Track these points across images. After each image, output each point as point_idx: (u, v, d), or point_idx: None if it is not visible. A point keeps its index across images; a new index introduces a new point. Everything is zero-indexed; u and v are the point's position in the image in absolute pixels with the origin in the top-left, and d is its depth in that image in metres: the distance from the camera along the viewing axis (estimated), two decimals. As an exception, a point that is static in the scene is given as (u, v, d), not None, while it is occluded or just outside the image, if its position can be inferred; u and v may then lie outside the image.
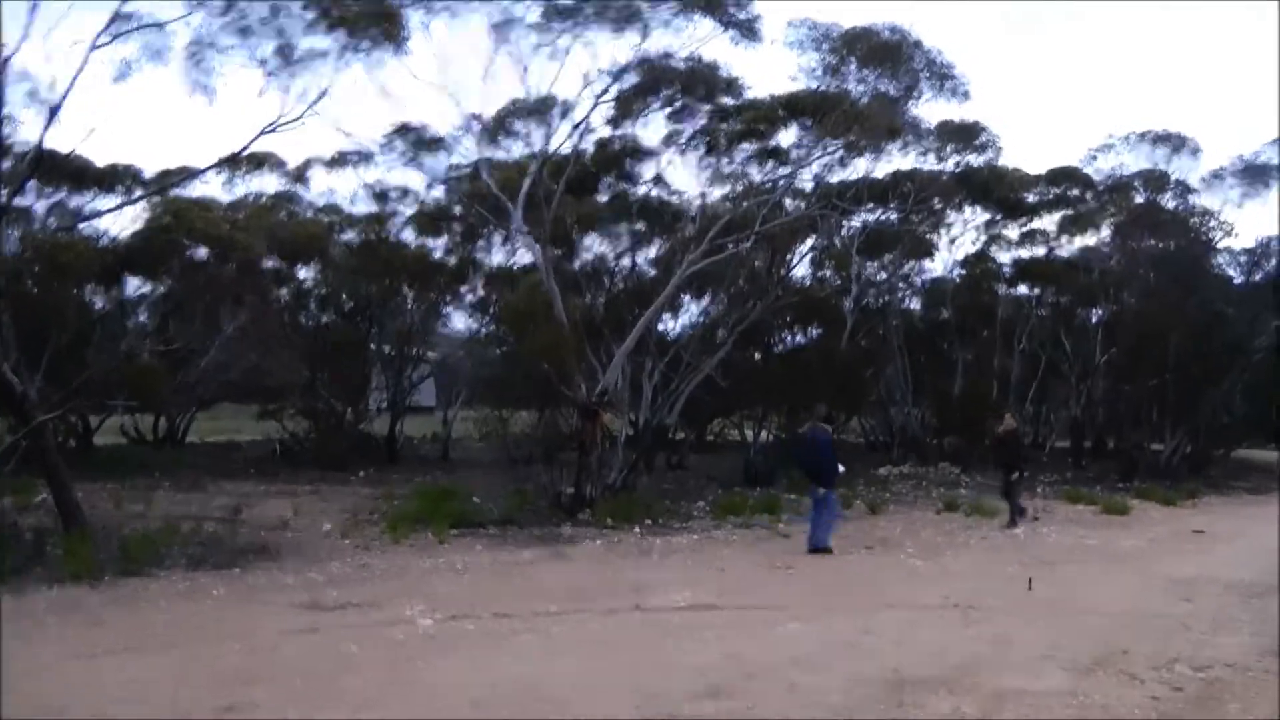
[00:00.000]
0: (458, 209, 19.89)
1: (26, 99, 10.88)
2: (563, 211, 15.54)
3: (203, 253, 19.07)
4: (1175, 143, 22.98)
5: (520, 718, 5.25)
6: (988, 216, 23.50)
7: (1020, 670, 6.20)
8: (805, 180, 17.45)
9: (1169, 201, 23.16)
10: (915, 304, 25.57)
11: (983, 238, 24.21)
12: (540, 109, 14.40)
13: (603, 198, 19.04)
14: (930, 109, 17.46)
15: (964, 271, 24.48)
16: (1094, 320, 24.45)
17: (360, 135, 16.63)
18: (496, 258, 21.17)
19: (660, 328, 18.70)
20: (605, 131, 17.62)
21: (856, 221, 19.49)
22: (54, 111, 9.84)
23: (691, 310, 20.13)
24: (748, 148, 17.63)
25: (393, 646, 6.62)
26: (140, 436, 22.34)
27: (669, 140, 17.27)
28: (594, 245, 19.43)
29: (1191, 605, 8.50)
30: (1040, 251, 24.34)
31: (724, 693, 5.63)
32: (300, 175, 21.93)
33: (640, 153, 18.23)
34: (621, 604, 8.06)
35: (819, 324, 21.72)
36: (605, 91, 14.38)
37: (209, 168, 16.74)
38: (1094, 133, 73.00)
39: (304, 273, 21.81)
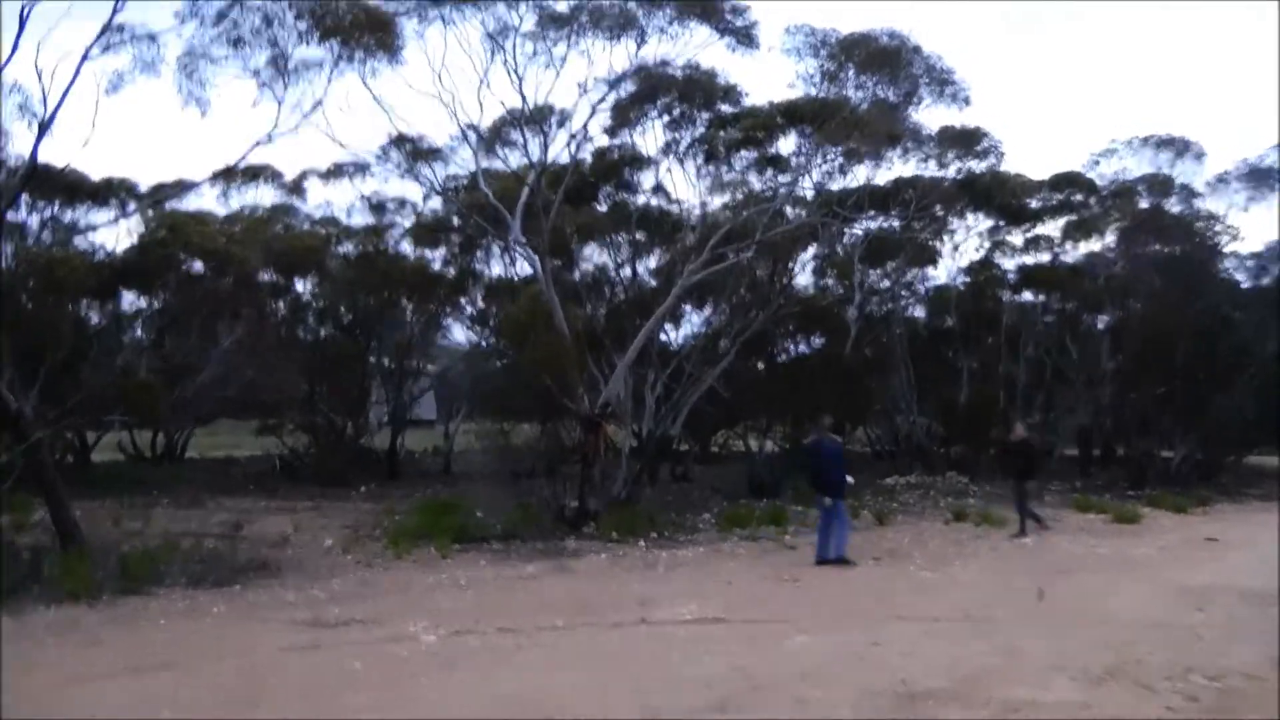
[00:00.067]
0: (456, 220, 19.95)
1: (18, 112, 10.99)
2: (561, 221, 15.58)
3: (199, 266, 19.14)
4: (1179, 146, 23.03)
5: (526, 734, 5.24)
6: (991, 223, 23.50)
7: (1031, 681, 6.19)
8: (806, 188, 17.49)
9: (1174, 206, 23.19)
10: (919, 312, 25.62)
11: (986, 244, 24.24)
12: (537, 118, 14.46)
13: (602, 207, 19.11)
14: (931, 115, 17.46)
15: (968, 279, 24.48)
16: (1100, 326, 24.47)
17: (356, 146, 16.83)
18: (496, 269, 21.28)
19: (662, 338, 18.74)
20: (603, 140, 17.80)
21: (858, 229, 19.49)
22: (46, 125, 9.90)
23: (693, 320, 20.19)
24: (747, 156, 17.72)
25: (396, 663, 6.62)
26: (138, 453, 22.38)
27: (668, 149, 17.36)
28: (594, 255, 19.53)
29: (1205, 614, 8.47)
30: (1045, 258, 24.34)
31: (731, 706, 5.63)
32: (296, 187, 22.03)
33: (639, 161, 18.31)
34: (627, 618, 8.05)
35: (822, 333, 21.73)
36: (602, 100, 14.53)
37: (204, 180, 16.98)
38: (1096, 137, 73.37)
39: (301, 286, 21.94)
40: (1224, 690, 6.07)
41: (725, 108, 16.79)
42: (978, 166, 20.90)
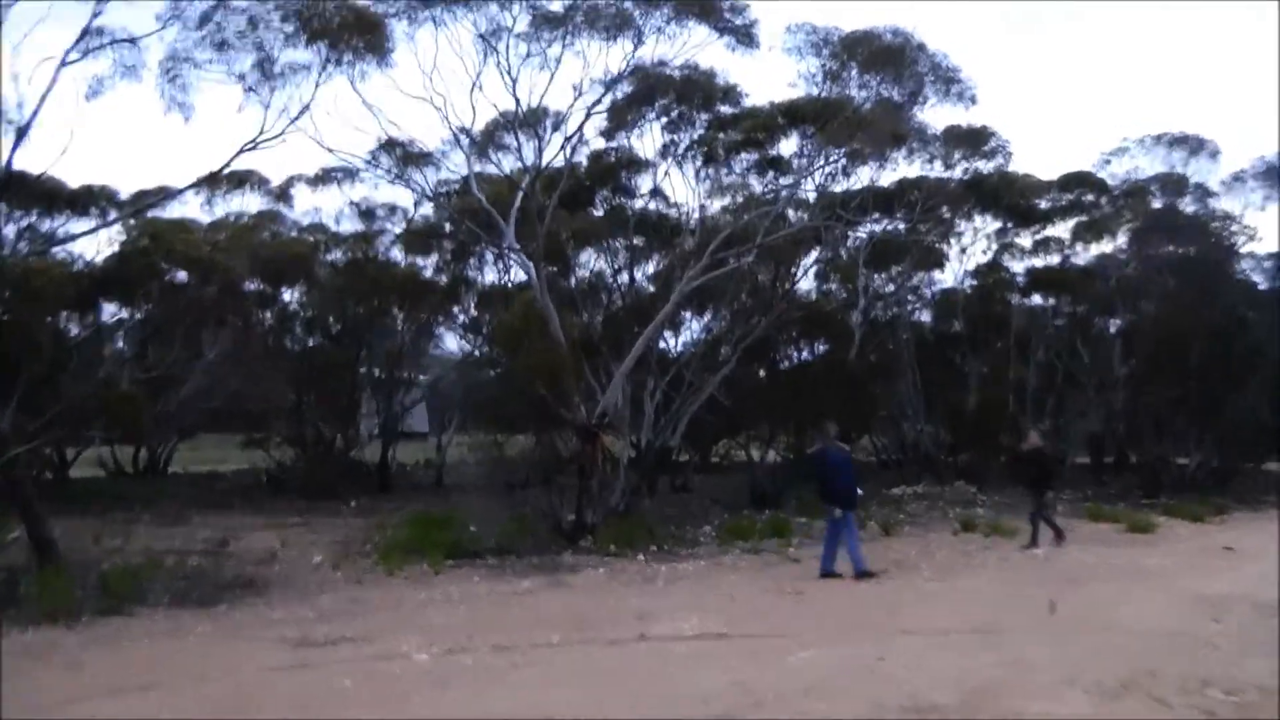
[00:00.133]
0: (448, 226, 19.98)
1: (-7, 118, 10.94)
2: (557, 226, 15.62)
3: (182, 275, 19.14)
4: (1193, 145, 23.09)
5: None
6: (999, 224, 23.59)
7: (1042, 695, 6.18)
8: (808, 190, 17.53)
9: (1188, 205, 23.27)
10: (926, 316, 25.69)
11: (994, 246, 24.32)
12: (531, 121, 14.52)
13: (598, 212, 19.14)
14: (936, 114, 17.55)
15: (975, 282, 24.54)
16: (1112, 330, 24.50)
17: (345, 151, 16.73)
18: (489, 276, 21.29)
19: (661, 345, 18.74)
20: (599, 143, 17.88)
21: (862, 232, 19.55)
22: (23, 131, 9.89)
23: (693, 327, 20.19)
24: (747, 158, 17.79)
25: (387, 682, 6.61)
26: (119, 468, 22.35)
27: (666, 151, 17.41)
28: (590, 261, 19.56)
29: (1221, 625, 8.47)
30: (1054, 259, 24.39)
31: (733, 724, 5.62)
32: (283, 193, 22.06)
33: (636, 164, 18.36)
34: (625, 634, 8.04)
35: (826, 339, 21.75)
36: (598, 102, 14.55)
37: (188, 187, 16.97)
38: (1102, 137, 73.60)
39: (289, 294, 21.93)
40: (1241, 704, 6.06)
41: (725, 109, 16.85)
42: (985, 167, 21.04)
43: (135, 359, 19.24)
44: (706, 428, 20.18)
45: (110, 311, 20.26)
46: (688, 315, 19.64)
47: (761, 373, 21.98)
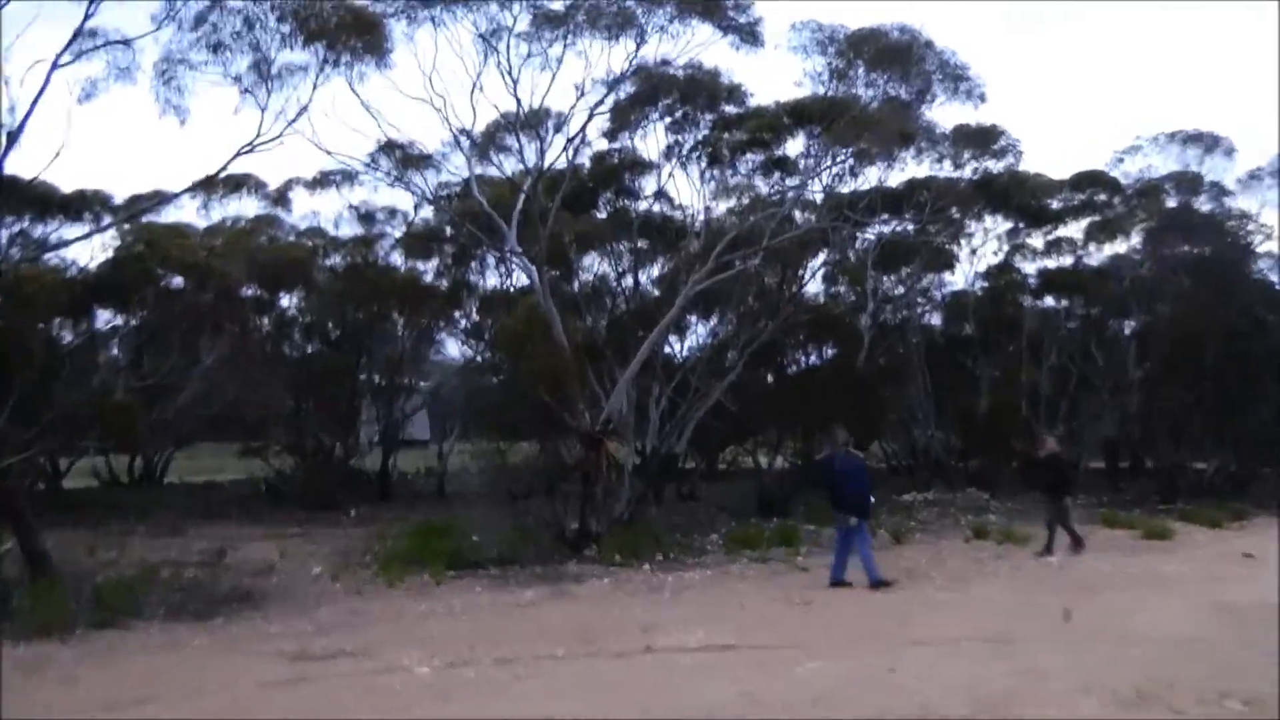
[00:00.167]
0: (448, 229, 20.03)
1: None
2: (559, 229, 15.64)
3: (178, 281, 19.21)
4: (1208, 142, 23.00)
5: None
6: (1010, 225, 23.56)
7: (1056, 705, 6.16)
8: (815, 191, 17.55)
9: (1203, 204, 23.20)
10: (936, 319, 25.63)
11: (1005, 247, 24.28)
12: (533, 122, 14.54)
13: (601, 214, 19.17)
14: (944, 113, 17.55)
15: (987, 284, 24.49)
16: (1127, 332, 24.42)
17: (343, 154, 16.82)
18: (491, 280, 21.35)
19: (666, 350, 18.76)
20: (602, 144, 17.89)
21: (870, 234, 19.56)
22: (15, 135, 9.94)
23: (699, 331, 20.23)
24: (753, 158, 17.80)
25: (388, 696, 6.61)
26: (114, 478, 22.41)
27: (670, 152, 17.42)
28: (594, 264, 19.59)
29: (1240, 634, 8.43)
30: (1067, 260, 24.36)
31: (741, 738, 5.60)
32: (281, 197, 22.12)
33: (640, 166, 18.38)
34: (631, 645, 8.03)
35: (834, 343, 21.74)
36: (601, 102, 14.57)
37: (183, 191, 16.96)
38: (1112, 136, 73.54)
39: (287, 300, 22.02)
40: (1261, 715, 6.03)
41: (729, 108, 16.87)
42: (995, 166, 21.00)
43: (130, 367, 19.30)
44: (713, 434, 20.19)
45: (104, 318, 20.34)
46: (693, 319, 19.68)
47: (769, 378, 21.98)
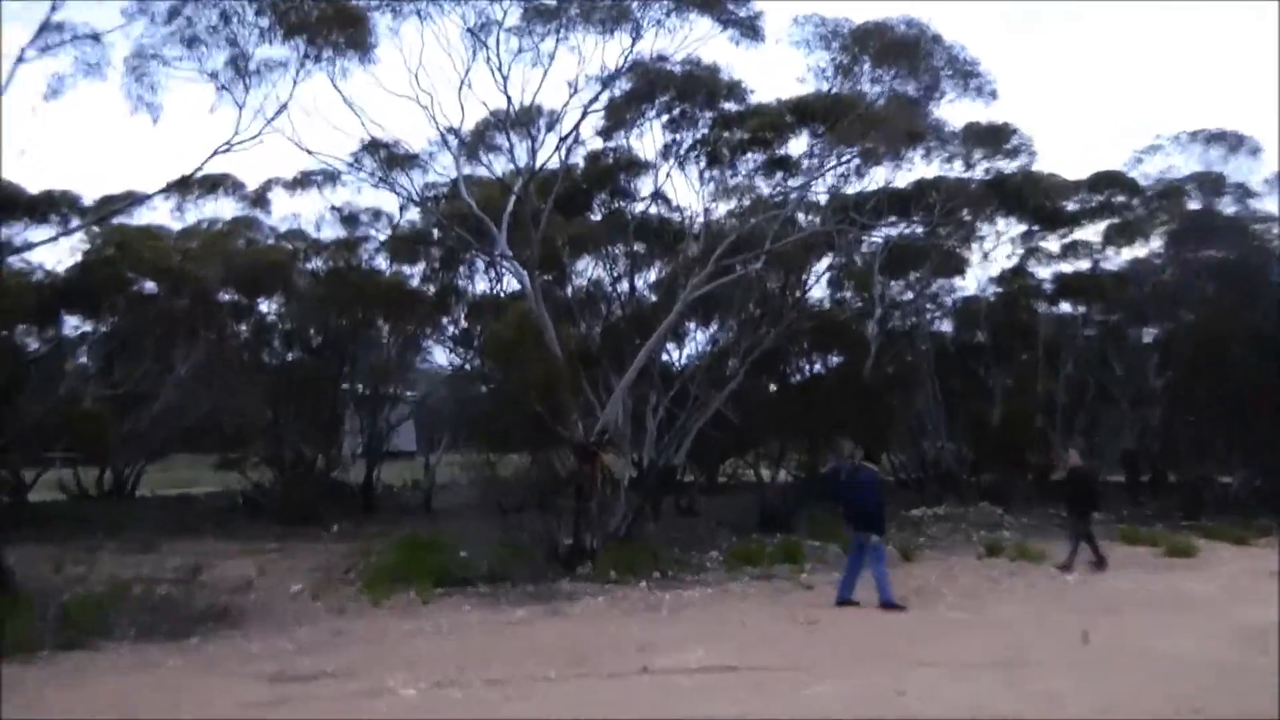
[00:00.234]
0: (436, 232, 20.05)
1: (-58, 121, 10.99)
2: (552, 232, 15.67)
3: (151, 286, 19.23)
4: (1232, 142, 23.03)
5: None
6: (1024, 228, 23.63)
7: (1075, 731, 6.16)
8: (819, 193, 17.60)
9: (1227, 206, 23.29)
10: (946, 326, 25.67)
11: (1019, 251, 24.36)
12: (524, 120, 14.59)
13: (596, 216, 19.20)
14: (954, 110, 17.69)
15: (999, 289, 24.57)
16: (1147, 339, 24.49)
17: (325, 153, 16.86)
18: (480, 285, 21.35)
19: (664, 358, 18.78)
20: (596, 143, 17.95)
21: (877, 236, 19.59)
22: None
23: (698, 338, 20.24)
24: (754, 158, 17.83)
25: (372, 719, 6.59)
26: (82, 491, 22.33)
27: (667, 151, 17.47)
28: (588, 269, 19.60)
29: (1269, 657, 8.43)
30: (1084, 265, 24.45)
31: (743, 763, 5.60)
32: (260, 198, 22.14)
33: (636, 166, 18.42)
34: (627, 666, 8.03)
35: (840, 350, 21.78)
36: (595, 99, 14.60)
37: (157, 193, 17.03)
38: (1123, 136, 73.69)
39: (266, 305, 22.02)
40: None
41: (729, 106, 16.92)
42: (1007, 166, 21.06)
43: (100, 375, 19.31)
44: (713, 446, 20.22)
45: (73, 324, 20.35)
46: (692, 326, 19.71)
47: (771, 387, 22.00)
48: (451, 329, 22.97)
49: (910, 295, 23.09)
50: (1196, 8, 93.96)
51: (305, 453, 20.32)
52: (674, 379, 17.61)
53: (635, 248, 18.64)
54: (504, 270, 17.62)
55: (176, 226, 21.40)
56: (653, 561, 13.23)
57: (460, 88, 13.75)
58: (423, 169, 17.73)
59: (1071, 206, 23.43)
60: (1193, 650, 8.74)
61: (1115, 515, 20.04)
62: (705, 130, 17.18)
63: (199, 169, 12.27)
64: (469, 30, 13.69)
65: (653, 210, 18.87)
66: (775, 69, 20.05)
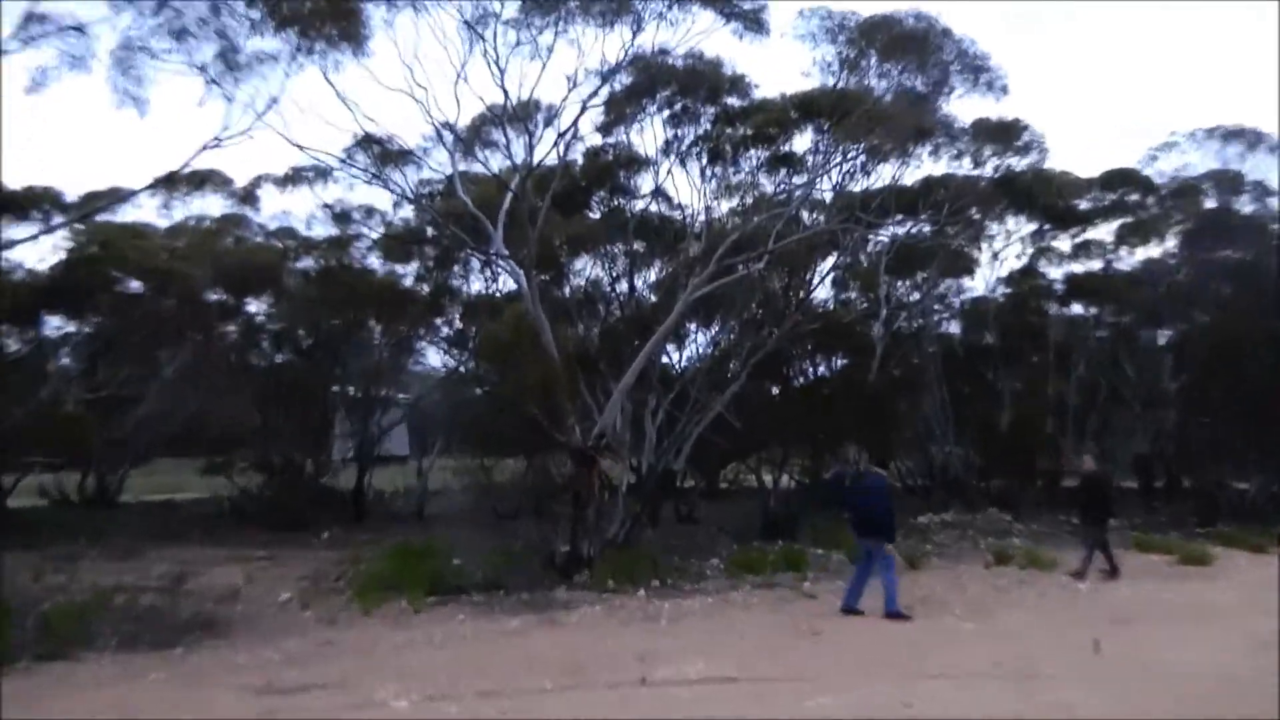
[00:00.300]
0: (430, 230, 20.04)
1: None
2: (550, 231, 15.66)
3: (136, 285, 19.19)
4: (1250, 139, 22.97)
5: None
6: (1034, 227, 23.63)
7: (1087, 745, 6.16)
8: (824, 190, 17.59)
9: (1244, 205, 23.27)
10: (954, 327, 25.70)
11: (1029, 251, 24.37)
12: (521, 115, 14.57)
13: (595, 214, 19.21)
14: (963, 106, 17.70)
15: (1009, 289, 24.58)
16: (1161, 341, 24.50)
17: (317, 149, 16.75)
18: (475, 285, 21.34)
19: (664, 360, 18.76)
20: (596, 140, 17.97)
21: (884, 235, 19.61)
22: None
23: (699, 340, 20.21)
24: (757, 154, 17.83)
25: (360, 733, 6.60)
26: (64, 497, 22.30)
27: (668, 148, 17.47)
28: (586, 268, 19.59)
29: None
30: (1096, 265, 24.46)
31: (744, 778, 5.60)
32: (249, 195, 22.13)
33: (636, 162, 18.42)
34: (625, 677, 8.03)
35: (845, 352, 21.79)
36: (594, 94, 14.57)
37: (143, 189, 17.04)
38: (1133, 133, 73.70)
39: (255, 305, 21.99)
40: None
41: (732, 101, 16.94)
42: (1018, 164, 21.03)
43: (83, 377, 19.29)
44: (714, 450, 20.18)
45: (54, 325, 20.30)
46: (693, 327, 19.69)
47: (774, 390, 21.99)
48: (446, 330, 22.97)
49: (917, 296, 23.08)
50: (1201, 7, 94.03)
51: (294, 457, 20.31)
52: (674, 382, 17.60)
53: (635, 247, 18.64)
54: (500, 270, 17.60)
55: (163, 224, 21.40)
56: (652, 569, 13.23)
57: (456, 82, 13.72)
58: (417, 165, 17.69)
59: (1084, 205, 23.43)
60: (1207, 662, 8.74)
61: (1128, 522, 20.05)
62: (707, 126, 17.20)
63: (186, 165, 12.31)
64: (465, 23, 13.67)
65: (653, 208, 18.88)
66: (780, 63, 20.18)
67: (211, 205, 21.93)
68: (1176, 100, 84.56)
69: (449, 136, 15.23)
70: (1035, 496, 21.95)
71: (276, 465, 20.11)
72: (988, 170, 20.53)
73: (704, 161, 17.55)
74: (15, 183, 19.15)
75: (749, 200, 18.11)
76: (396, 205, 21.02)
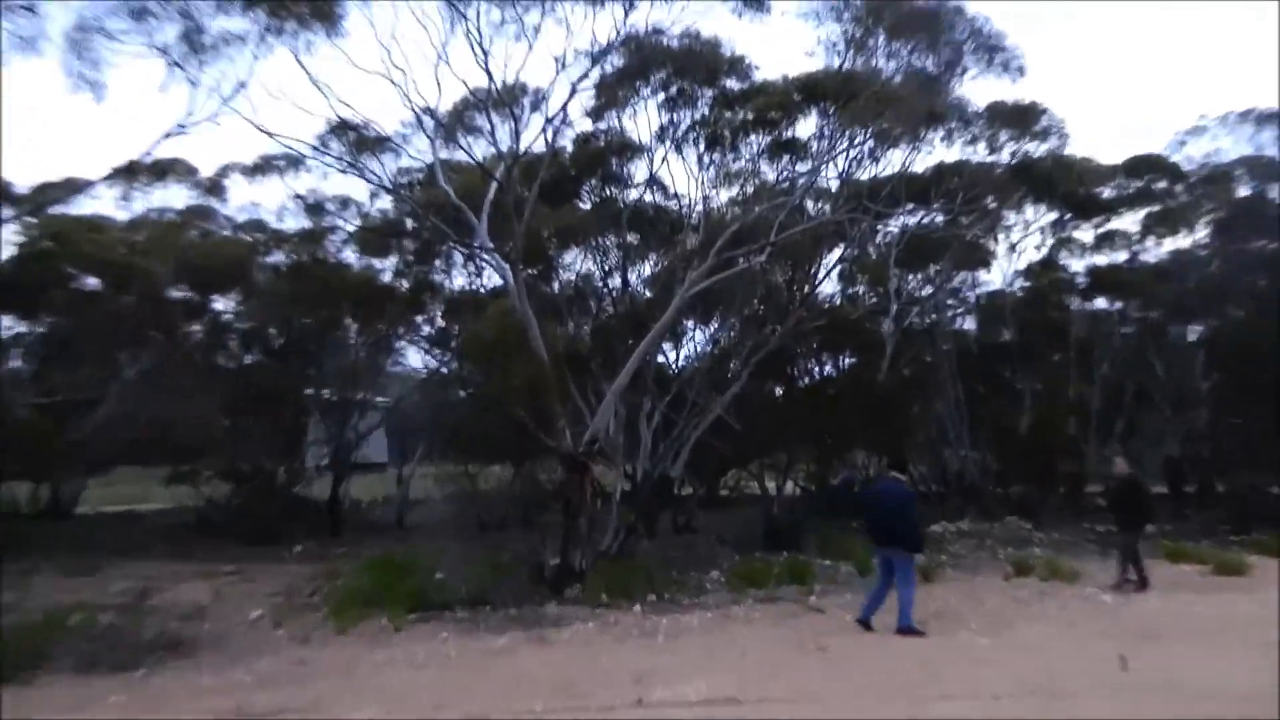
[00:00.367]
0: (410, 222, 20.05)
1: None
2: (537, 222, 15.68)
3: (94, 282, 19.14)
4: (1285, 122, 23.11)
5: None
6: (1054, 216, 23.69)
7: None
8: (829, 178, 17.62)
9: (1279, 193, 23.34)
10: (969, 323, 25.75)
11: (1049, 242, 24.45)
12: (507, 99, 14.57)
13: (585, 205, 19.22)
14: (977, 88, 17.76)
15: (1027, 283, 24.64)
16: (1192, 338, 24.54)
17: (288, 136, 16.78)
18: (458, 280, 21.35)
19: (660, 360, 18.78)
20: (586, 125, 18.02)
21: (894, 226, 19.65)
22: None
23: (697, 338, 20.26)
24: (758, 140, 17.88)
25: (336, 759, 6.59)
26: (15, 508, 22.23)
27: (663, 134, 17.52)
28: (576, 262, 19.62)
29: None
30: (1120, 257, 24.54)
31: (747, 805, 5.59)
32: (215, 185, 22.15)
33: (629, 149, 18.46)
34: (620, 698, 8.03)
35: (852, 351, 21.81)
36: (584, 76, 14.60)
37: (100, 179, 16.96)
38: (1161, 118, 73.91)
39: (222, 303, 21.98)
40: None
41: (731, 84, 16.98)
42: (1036, 149, 21.08)
43: (35, 380, 19.22)
44: (713, 456, 20.19)
45: (5, 324, 20.26)
46: (690, 324, 19.72)
47: (777, 391, 22.01)
48: (427, 329, 22.99)
49: (929, 290, 23.10)
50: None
51: (265, 465, 20.31)
52: (671, 383, 17.62)
53: (628, 239, 18.67)
54: (484, 264, 17.62)
55: (122, 217, 21.36)
56: (648, 583, 13.24)
57: (437, 64, 13.72)
58: (395, 153, 17.74)
59: (1107, 193, 23.48)
60: (1242, 682, 8.73)
61: (1158, 529, 20.08)
62: (705, 110, 17.24)
63: (148, 153, 12.38)
64: (446, 1, 13.67)
65: (647, 198, 18.92)
66: (782, 43, 20.13)
67: (175, 196, 21.94)
68: (1203, 87, 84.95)
69: (429, 122, 15.23)
70: (1057, 503, 21.96)
71: (246, 473, 20.10)
72: (1004, 156, 20.59)
73: (701, 148, 17.59)
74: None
75: (749, 189, 18.16)
76: (374, 196, 21.09)
